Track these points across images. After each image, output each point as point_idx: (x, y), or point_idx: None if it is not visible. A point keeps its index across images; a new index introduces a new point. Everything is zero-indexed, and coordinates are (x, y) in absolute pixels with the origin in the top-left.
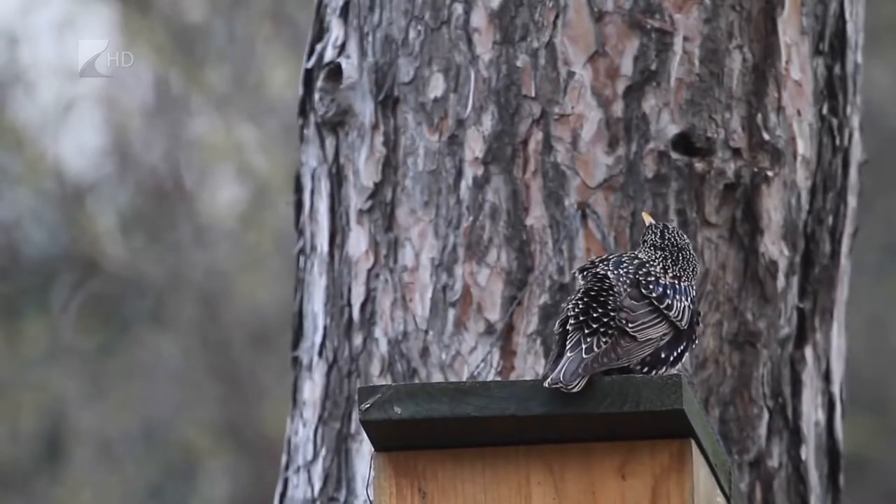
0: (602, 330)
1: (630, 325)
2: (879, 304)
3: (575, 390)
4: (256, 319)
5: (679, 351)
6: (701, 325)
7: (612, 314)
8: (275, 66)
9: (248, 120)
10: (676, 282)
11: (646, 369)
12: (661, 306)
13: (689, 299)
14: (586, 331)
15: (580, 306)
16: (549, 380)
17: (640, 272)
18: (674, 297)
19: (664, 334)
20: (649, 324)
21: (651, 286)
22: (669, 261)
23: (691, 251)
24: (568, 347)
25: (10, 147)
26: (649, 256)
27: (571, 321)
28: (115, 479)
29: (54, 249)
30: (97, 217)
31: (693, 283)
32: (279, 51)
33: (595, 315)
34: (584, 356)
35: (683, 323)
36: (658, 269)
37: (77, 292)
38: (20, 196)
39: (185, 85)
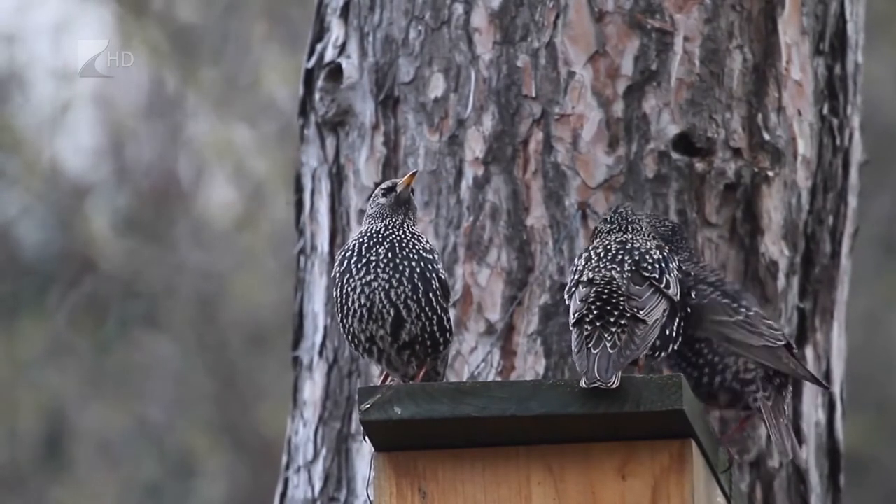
0: (616, 328)
1: (640, 311)
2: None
3: (614, 386)
4: (253, 320)
5: (677, 325)
6: (693, 294)
7: (622, 308)
8: (271, 66)
9: (243, 120)
10: (660, 253)
11: (657, 353)
12: (662, 286)
13: (675, 267)
14: (605, 332)
15: (594, 310)
16: (585, 380)
17: (635, 256)
18: (667, 271)
19: (664, 311)
20: (654, 305)
21: (649, 268)
22: (639, 235)
23: (642, 220)
24: (591, 345)
25: (7, 147)
26: (621, 238)
27: (587, 326)
28: (113, 480)
29: (51, 250)
30: (94, 218)
31: (665, 247)
32: (275, 51)
33: (612, 318)
34: (610, 352)
35: (674, 293)
36: (643, 247)
37: (74, 293)
38: (17, 196)
39: (180, 85)
